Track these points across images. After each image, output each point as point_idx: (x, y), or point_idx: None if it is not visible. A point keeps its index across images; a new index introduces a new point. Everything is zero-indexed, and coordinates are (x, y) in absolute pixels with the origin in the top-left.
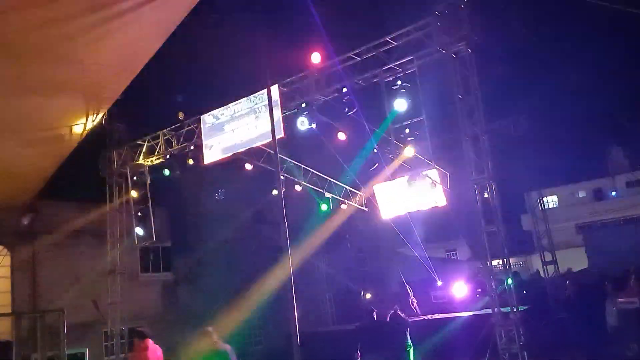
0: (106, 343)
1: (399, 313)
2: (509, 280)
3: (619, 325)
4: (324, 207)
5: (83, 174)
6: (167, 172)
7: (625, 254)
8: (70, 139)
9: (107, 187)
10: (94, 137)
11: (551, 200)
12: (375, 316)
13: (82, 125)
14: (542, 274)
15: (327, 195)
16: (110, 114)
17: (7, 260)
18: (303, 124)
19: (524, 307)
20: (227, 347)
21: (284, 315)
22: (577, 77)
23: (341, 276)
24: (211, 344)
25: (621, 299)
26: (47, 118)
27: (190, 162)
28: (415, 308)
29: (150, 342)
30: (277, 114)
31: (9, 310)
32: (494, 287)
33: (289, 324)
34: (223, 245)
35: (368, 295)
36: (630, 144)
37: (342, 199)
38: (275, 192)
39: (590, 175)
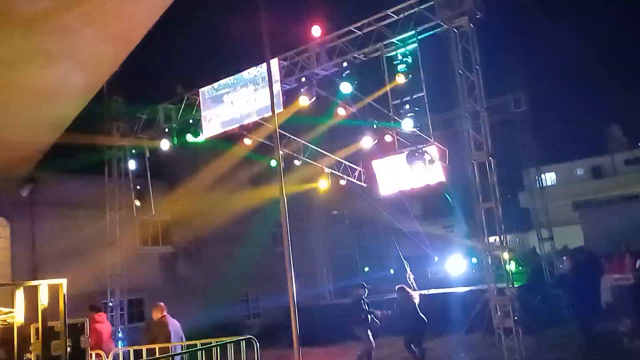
0: (106, 314)
1: (406, 289)
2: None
3: (613, 301)
4: (322, 184)
5: (82, 146)
6: (166, 145)
7: (621, 231)
8: (68, 111)
9: (106, 160)
10: (94, 109)
11: (549, 178)
12: (365, 290)
13: (80, 97)
14: (538, 251)
15: (326, 170)
16: (109, 86)
17: (6, 232)
18: (303, 98)
19: (519, 283)
20: (175, 323)
21: (283, 288)
22: (578, 55)
23: (339, 251)
24: (159, 318)
25: (615, 276)
26: (44, 88)
27: (190, 137)
28: (412, 283)
29: (104, 315)
30: (277, 88)
31: (8, 281)
32: (489, 263)
33: (287, 298)
34: (222, 219)
35: (366, 269)
36: (629, 122)
37: (341, 175)
38: (273, 162)
39: (589, 153)
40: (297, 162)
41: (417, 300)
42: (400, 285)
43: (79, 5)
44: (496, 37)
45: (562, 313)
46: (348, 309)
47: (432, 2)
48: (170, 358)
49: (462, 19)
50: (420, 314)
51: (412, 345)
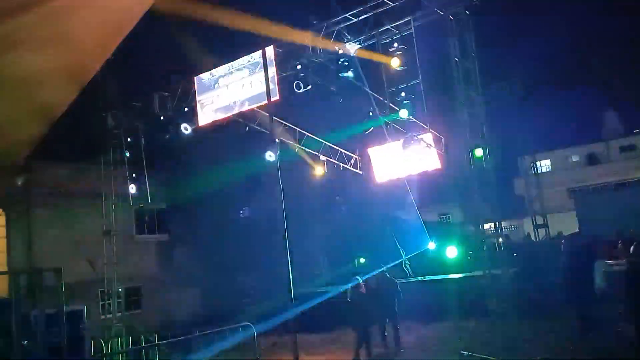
0: (103, 302)
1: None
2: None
3: (606, 287)
4: (319, 170)
5: (78, 134)
6: (162, 134)
7: (616, 218)
8: (60, 99)
9: (101, 148)
10: (89, 98)
11: (544, 165)
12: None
13: (72, 85)
14: (533, 238)
15: (322, 158)
16: (103, 74)
17: (2, 220)
18: (299, 86)
19: (514, 269)
20: None
21: (279, 275)
22: (574, 42)
23: (336, 238)
24: None
25: (609, 262)
26: (35, 75)
27: (185, 126)
28: (408, 269)
29: None
30: (273, 75)
31: (5, 269)
32: (485, 249)
33: (284, 284)
34: (218, 207)
35: (362, 259)
36: (624, 109)
37: (337, 162)
38: (269, 154)
39: (584, 139)
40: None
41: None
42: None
43: None
44: (492, 24)
45: (556, 298)
46: (348, 305)
47: None
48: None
49: (458, 5)
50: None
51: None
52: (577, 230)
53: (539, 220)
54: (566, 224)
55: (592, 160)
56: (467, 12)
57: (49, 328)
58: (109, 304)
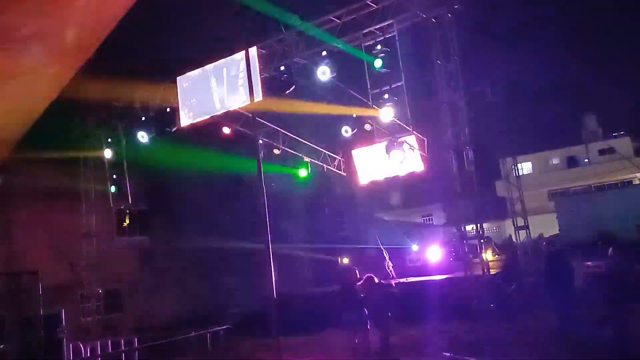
0: (82, 305)
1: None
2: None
3: (586, 288)
4: (302, 172)
5: (57, 135)
6: (143, 134)
7: (595, 220)
8: (40, 98)
9: (82, 149)
10: (69, 98)
11: (525, 167)
12: (357, 274)
13: (52, 84)
14: (514, 239)
15: (306, 159)
16: (84, 73)
17: None
18: (282, 87)
19: (495, 271)
20: None
21: (262, 278)
22: (554, 46)
23: (319, 240)
24: None
25: (588, 263)
26: (15, 75)
27: (167, 126)
28: (390, 271)
29: None
30: (256, 76)
31: None
32: (467, 250)
33: (266, 287)
34: (200, 209)
35: (345, 260)
36: (603, 113)
37: (321, 164)
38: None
39: (564, 142)
40: (276, 152)
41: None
42: (369, 275)
43: None
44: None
45: (537, 300)
46: (337, 296)
47: None
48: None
49: (440, 8)
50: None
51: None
52: (557, 232)
53: (520, 222)
54: (547, 225)
55: (571, 163)
56: (450, 15)
57: (26, 331)
58: (89, 306)
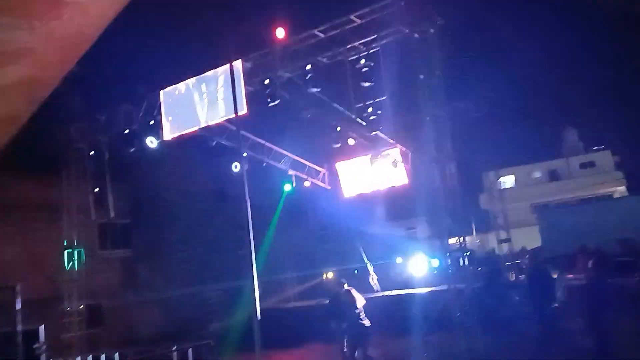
0: (64, 320)
1: (351, 292)
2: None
3: (566, 300)
4: (287, 187)
5: (39, 148)
6: (126, 147)
7: (577, 232)
8: (20, 111)
9: (64, 162)
10: (51, 110)
11: (508, 180)
12: (346, 287)
13: (33, 96)
14: (497, 252)
15: (290, 172)
16: (66, 86)
17: None
18: (267, 100)
19: (478, 284)
20: None
21: (245, 292)
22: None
23: (303, 253)
24: None
25: (570, 275)
26: None
27: (151, 139)
28: (375, 284)
29: None
30: (240, 89)
31: None
32: (449, 263)
33: (250, 301)
34: (183, 222)
35: (330, 274)
36: (584, 126)
37: (305, 177)
38: (236, 166)
39: (545, 156)
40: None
41: (360, 304)
42: (347, 288)
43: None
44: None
45: (519, 313)
46: (326, 306)
47: (394, 7)
48: None
49: (423, 24)
50: (362, 319)
51: (355, 352)
52: (539, 245)
53: (503, 235)
54: (529, 238)
55: (553, 176)
56: (432, 31)
57: (3, 348)
58: (70, 321)
